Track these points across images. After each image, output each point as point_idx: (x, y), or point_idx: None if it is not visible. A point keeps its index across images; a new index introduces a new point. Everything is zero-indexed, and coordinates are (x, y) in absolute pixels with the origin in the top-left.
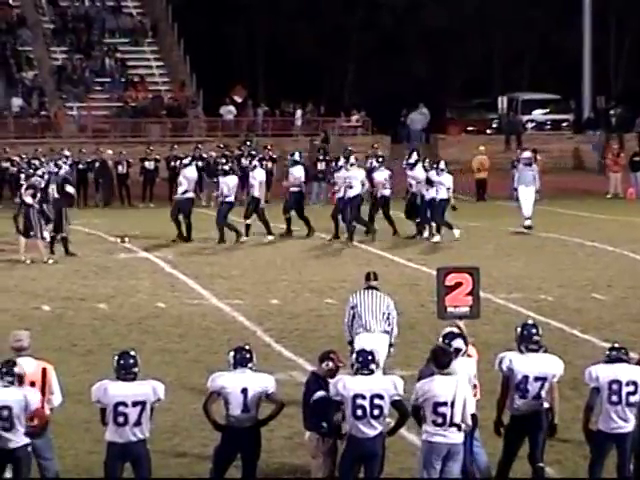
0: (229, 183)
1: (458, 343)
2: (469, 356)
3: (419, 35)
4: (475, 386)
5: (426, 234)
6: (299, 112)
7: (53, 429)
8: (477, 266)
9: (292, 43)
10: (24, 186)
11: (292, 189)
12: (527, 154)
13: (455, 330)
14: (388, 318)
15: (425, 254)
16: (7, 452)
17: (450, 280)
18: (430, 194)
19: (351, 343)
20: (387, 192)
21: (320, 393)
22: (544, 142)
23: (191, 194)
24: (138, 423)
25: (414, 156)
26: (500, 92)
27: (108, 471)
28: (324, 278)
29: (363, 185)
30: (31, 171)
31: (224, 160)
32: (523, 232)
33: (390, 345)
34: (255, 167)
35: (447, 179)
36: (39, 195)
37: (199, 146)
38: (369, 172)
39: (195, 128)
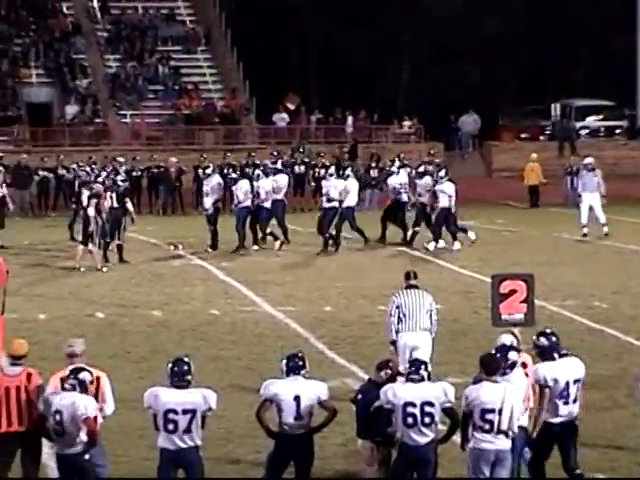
0: (263, 187)
1: (513, 355)
2: (524, 365)
3: (472, 41)
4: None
5: (441, 244)
6: (350, 119)
7: (107, 436)
8: (531, 273)
9: (345, 49)
10: (86, 194)
11: (276, 197)
12: (589, 160)
13: (507, 342)
14: (431, 315)
15: (478, 261)
16: (66, 458)
17: (505, 287)
18: (442, 203)
19: (394, 343)
20: (404, 197)
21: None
22: (598, 149)
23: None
24: (188, 430)
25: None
26: (553, 98)
27: (161, 477)
28: (377, 285)
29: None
30: (90, 178)
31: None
32: (581, 240)
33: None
34: (259, 176)
35: (449, 187)
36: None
37: (252, 154)
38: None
39: (248, 135)
